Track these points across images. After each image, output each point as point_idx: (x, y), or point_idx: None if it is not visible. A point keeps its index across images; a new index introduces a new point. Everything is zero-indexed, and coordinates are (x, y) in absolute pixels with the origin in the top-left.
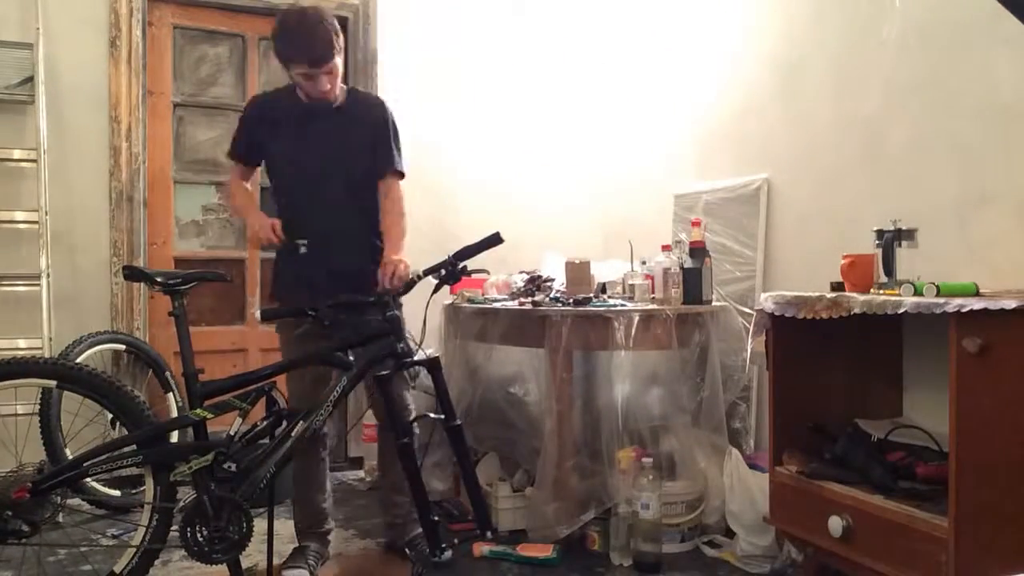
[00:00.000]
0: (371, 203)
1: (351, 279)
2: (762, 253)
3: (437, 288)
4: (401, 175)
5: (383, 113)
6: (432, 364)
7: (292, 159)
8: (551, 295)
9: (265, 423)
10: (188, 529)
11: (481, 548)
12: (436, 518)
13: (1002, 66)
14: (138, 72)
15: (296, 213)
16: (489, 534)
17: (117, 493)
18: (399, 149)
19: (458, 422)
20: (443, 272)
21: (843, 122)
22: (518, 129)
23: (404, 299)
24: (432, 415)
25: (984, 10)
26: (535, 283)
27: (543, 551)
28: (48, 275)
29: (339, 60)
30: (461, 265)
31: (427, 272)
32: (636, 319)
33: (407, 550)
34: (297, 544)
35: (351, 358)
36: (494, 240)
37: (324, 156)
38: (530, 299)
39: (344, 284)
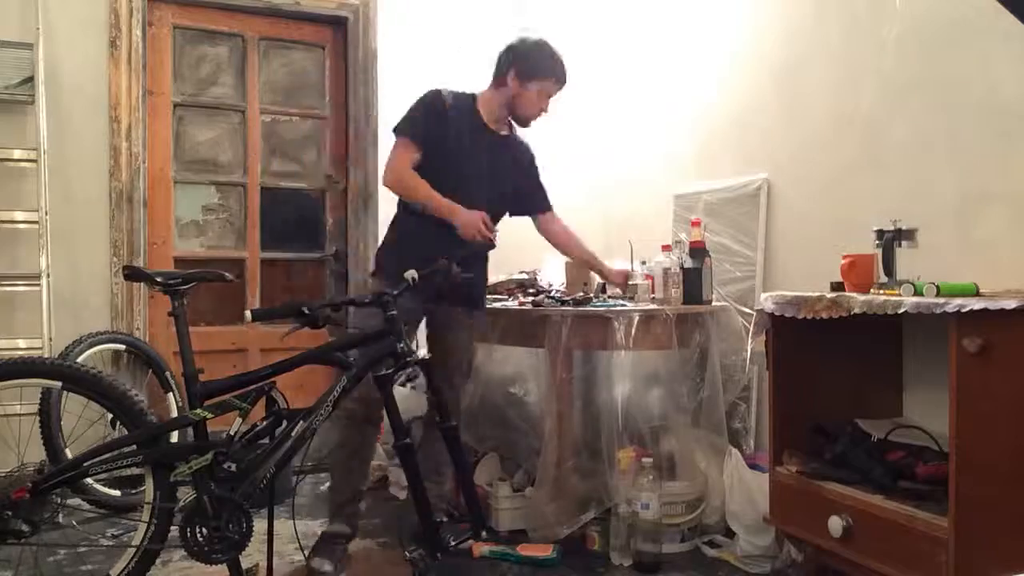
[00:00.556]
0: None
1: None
2: (762, 253)
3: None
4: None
5: (532, 155)
6: (429, 365)
7: (460, 165)
8: (551, 295)
9: (265, 423)
10: (188, 529)
11: (481, 548)
12: (441, 520)
13: (1002, 65)
14: (138, 72)
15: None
16: (484, 534)
17: (117, 493)
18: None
19: (453, 422)
20: (438, 275)
21: (843, 122)
22: (518, 129)
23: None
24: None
25: (984, 10)
26: (524, 287)
27: (543, 551)
28: (48, 275)
29: None
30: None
31: (422, 275)
32: (636, 319)
33: (407, 552)
34: (327, 527)
35: (351, 358)
36: (487, 245)
37: (486, 175)
38: (530, 299)
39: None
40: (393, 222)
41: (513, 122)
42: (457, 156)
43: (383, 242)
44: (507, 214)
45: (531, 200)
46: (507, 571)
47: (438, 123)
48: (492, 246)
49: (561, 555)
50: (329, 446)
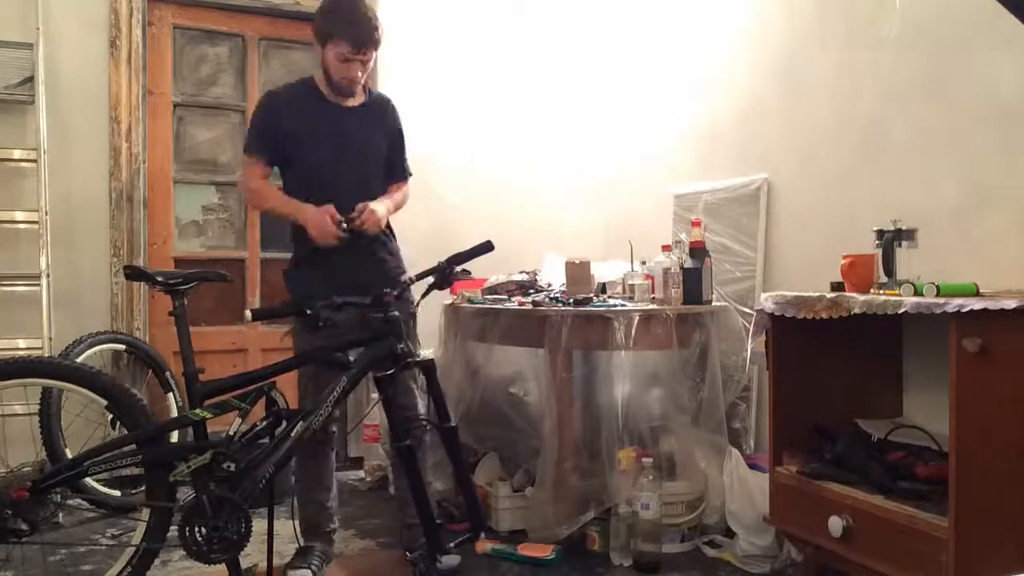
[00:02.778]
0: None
1: (375, 273)
2: (762, 253)
3: (427, 292)
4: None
5: (396, 117)
6: (427, 366)
7: (320, 153)
8: (551, 295)
9: (265, 423)
10: (187, 529)
11: (484, 545)
12: (440, 522)
13: (1002, 66)
14: (138, 72)
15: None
16: (483, 534)
17: (117, 493)
18: (406, 153)
19: (453, 424)
20: (435, 276)
21: (843, 122)
22: (518, 129)
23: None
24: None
25: (984, 10)
26: (524, 287)
27: (543, 551)
28: (48, 275)
29: (375, 55)
30: (460, 269)
31: (420, 276)
32: (636, 319)
33: (407, 553)
34: (300, 544)
35: (351, 358)
36: (485, 248)
37: (347, 153)
38: (530, 299)
39: (369, 278)
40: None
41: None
42: (311, 141)
43: (289, 264)
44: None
45: (389, 170)
46: (507, 571)
47: (281, 121)
48: (490, 247)
49: (561, 556)
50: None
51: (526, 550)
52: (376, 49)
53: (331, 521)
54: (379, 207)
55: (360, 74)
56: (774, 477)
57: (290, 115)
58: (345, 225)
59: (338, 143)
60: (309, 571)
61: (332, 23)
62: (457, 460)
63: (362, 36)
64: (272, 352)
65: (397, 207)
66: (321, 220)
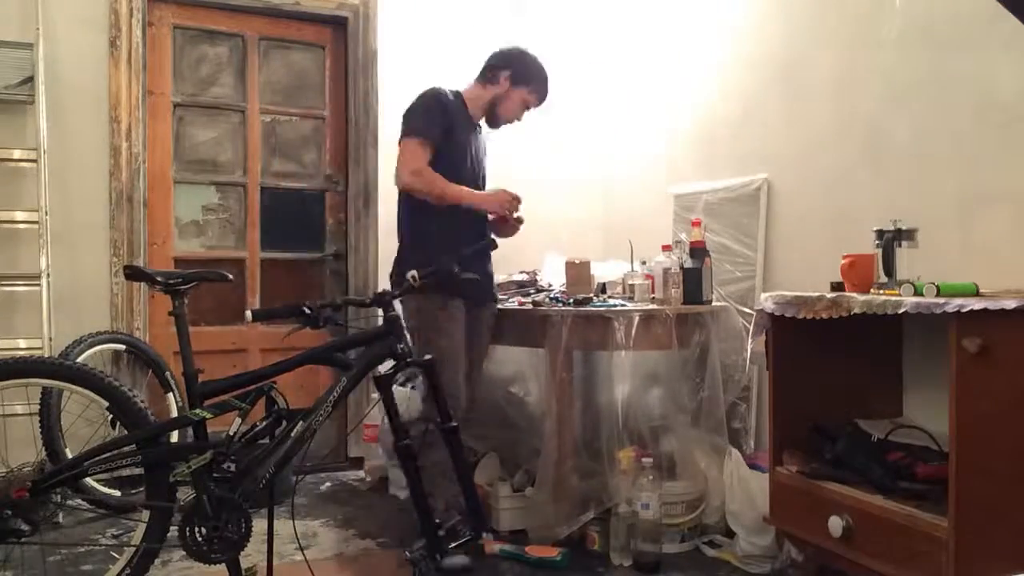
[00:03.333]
0: None
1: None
2: (762, 253)
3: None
4: None
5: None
6: (428, 366)
7: (462, 164)
8: (551, 295)
9: (265, 423)
10: (187, 529)
11: (492, 546)
12: (440, 521)
13: (1002, 66)
14: (138, 72)
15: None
16: (485, 535)
17: (117, 493)
18: None
19: (454, 424)
20: (439, 277)
21: (843, 122)
22: (518, 129)
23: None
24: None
25: (984, 10)
26: (524, 287)
27: (550, 552)
28: (48, 275)
29: None
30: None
31: (423, 276)
32: (636, 319)
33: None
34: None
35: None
36: (488, 246)
37: (480, 169)
38: (530, 299)
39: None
40: (407, 226)
41: (484, 121)
42: (460, 150)
43: (400, 247)
44: None
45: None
46: (506, 571)
47: (444, 120)
48: (494, 245)
49: (569, 558)
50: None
51: (534, 551)
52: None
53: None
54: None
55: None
56: (774, 477)
57: (452, 120)
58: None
59: (473, 153)
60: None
61: (535, 77)
62: (459, 461)
63: (547, 94)
64: (272, 352)
65: None
66: (500, 197)
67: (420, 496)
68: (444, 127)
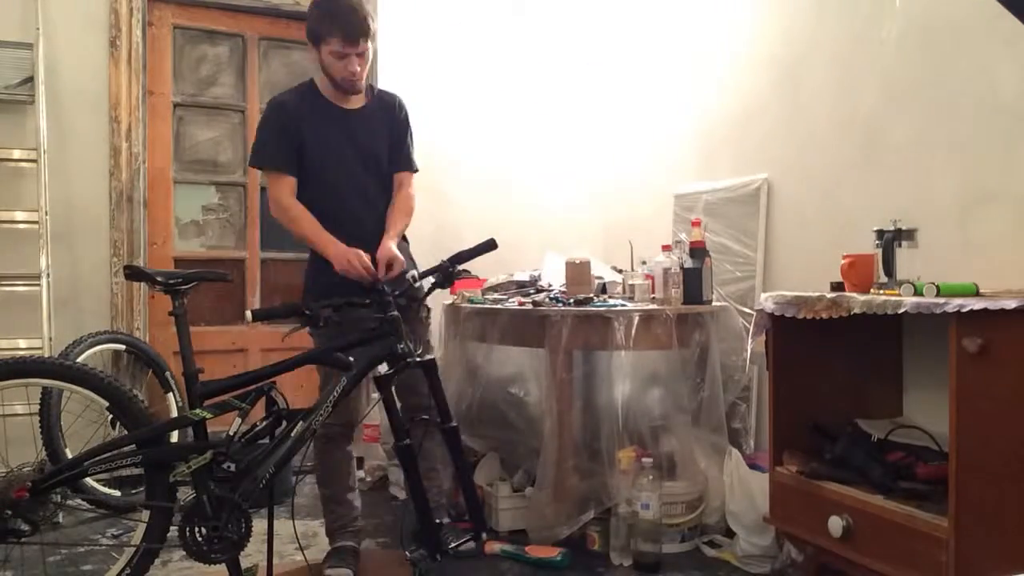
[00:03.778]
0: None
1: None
2: (762, 253)
3: (429, 291)
4: (414, 172)
5: (403, 112)
6: (428, 366)
7: (329, 159)
8: (551, 295)
9: (265, 423)
10: (187, 529)
11: (493, 546)
12: (440, 521)
13: (1002, 66)
14: (138, 72)
15: (328, 214)
16: (484, 535)
17: (117, 493)
18: (413, 147)
19: (454, 424)
20: (437, 275)
21: (843, 122)
22: (519, 129)
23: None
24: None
25: (984, 10)
26: (524, 287)
27: (551, 553)
28: (48, 275)
29: (371, 47)
30: (460, 269)
31: (423, 275)
32: (636, 319)
33: (408, 552)
34: (332, 546)
35: (351, 358)
36: (488, 246)
37: (359, 156)
38: (530, 299)
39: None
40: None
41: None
42: (323, 147)
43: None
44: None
45: (392, 162)
46: (507, 571)
47: (291, 130)
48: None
49: (569, 558)
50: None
51: (534, 551)
52: (369, 39)
53: (358, 519)
54: (393, 246)
55: (359, 68)
56: (774, 477)
57: (299, 124)
58: (377, 277)
59: (343, 148)
60: (350, 571)
61: (321, 21)
62: (459, 462)
63: (351, 28)
64: (272, 352)
65: (406, 223)
66: (347, 266)
67: (420, 496)
68: (288, 141)
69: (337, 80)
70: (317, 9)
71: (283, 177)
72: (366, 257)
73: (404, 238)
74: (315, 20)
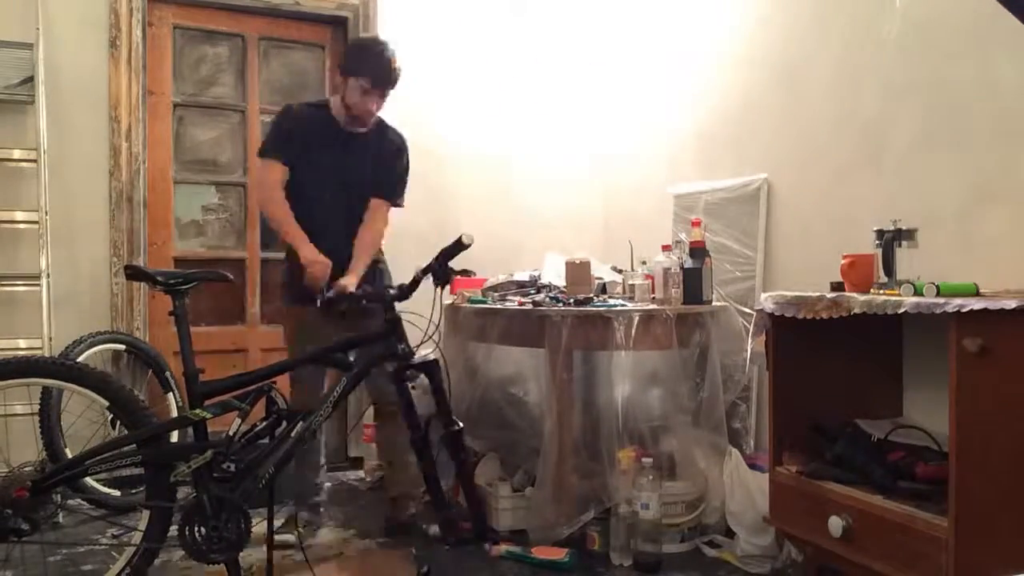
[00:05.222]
0: None
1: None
2: (762, 253)
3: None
4: (396, 206)
5: (404, 151)
6: (430, 367)
7: (324, 174)
8: (551, 295)
9: (265, 423)
10: (187, 529)
11: (499, 549)
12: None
13: (1002, 66)
14: (138, 72)
15: (313, 223)
16: (488, 545)
17: (117, 493)
18: (404, 188)
19: (458, 426)
20: (433, 274)
21: (843, 122)
22: (519, 129)
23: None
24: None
25: (984, 10)
26: (524, 287)
27: (557, 554)
28: (48, 275)
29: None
30: (461, 269)
31: (423, 274)
32: (636, 319)
33: (413, 550)
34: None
35: (351, 358)
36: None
37: (352, 179)
38: (530, 299)
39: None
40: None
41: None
42: (317, 163)
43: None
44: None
45: (374, 186)
46: (508, 571)
47: (298, 136)
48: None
49: (576, 559)
50: None
51: (540, 552)
52: (393, 88)
53: (319, 494)
54: (350, 283)
55: (375, 108)
56: (774, 477)
57: (304, 131)
58: (328, 293)
59: (335, 166)
60: (292, 536)
61: (358, 59)
62: (460, 465)
63: (383, 75)
64: (272, 352)
65: (370, 259)
66: (316, 269)
67: (435, 488)
68: (289, 139)
69: (354, 112)
70: (357, 48)
71: (275, 164)
72: (328, 272)
73: (377, 258)
74: (353, 57)
